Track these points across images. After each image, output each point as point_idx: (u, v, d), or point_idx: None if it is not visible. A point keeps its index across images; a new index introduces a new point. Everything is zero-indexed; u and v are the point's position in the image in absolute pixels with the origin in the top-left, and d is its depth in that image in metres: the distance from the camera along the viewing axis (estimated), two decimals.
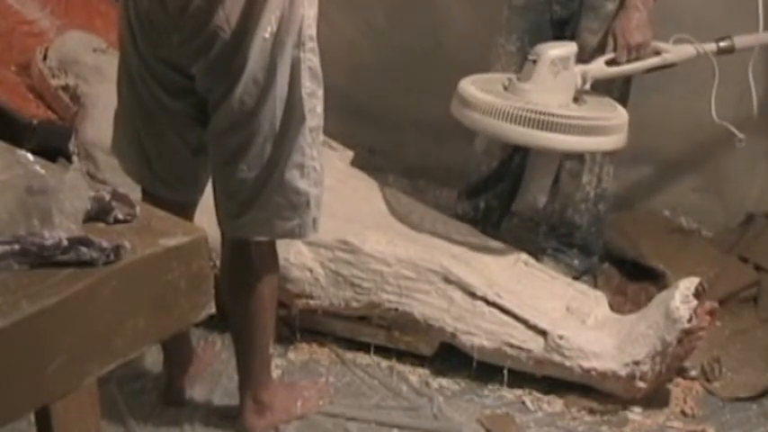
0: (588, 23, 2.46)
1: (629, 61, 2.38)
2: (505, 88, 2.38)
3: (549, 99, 2.30)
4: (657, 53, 2.41)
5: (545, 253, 2.70)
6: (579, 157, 2.59)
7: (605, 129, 2.31)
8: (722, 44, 2.44)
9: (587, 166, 2.59)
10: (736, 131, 2.48)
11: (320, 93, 1.84)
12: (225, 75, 1.76)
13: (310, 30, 1.79)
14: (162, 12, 1.75)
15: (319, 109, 1.85)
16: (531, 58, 2.34)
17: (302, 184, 1.86)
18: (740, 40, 2.44)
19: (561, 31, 2.52)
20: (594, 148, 2.37)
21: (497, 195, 2.77)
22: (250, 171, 1.83)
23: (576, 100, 2.37)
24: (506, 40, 2.57)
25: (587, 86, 2.38)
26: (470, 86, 2.37)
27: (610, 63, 2.39)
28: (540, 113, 2.24)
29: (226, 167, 1.85)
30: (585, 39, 2.46)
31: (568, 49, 2.35)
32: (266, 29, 1.72)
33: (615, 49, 2.39)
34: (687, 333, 2.13)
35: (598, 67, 2.38)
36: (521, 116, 2.25)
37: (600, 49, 2.44)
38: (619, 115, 2.37)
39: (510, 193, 2.82)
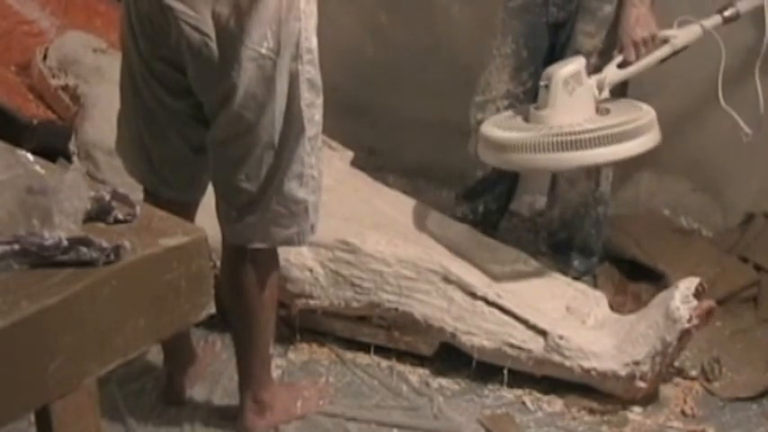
0: (584, 26, 2.44)
1: (638, 58, 2.35)
2: (526, 120, 2.34)
3: (571, 118, 2.26)
4: (665, 41, 2.37)
5: (545, 253, 2.69)
6: None
7: (638, 130, 2.26)
8: (726, 13, 2.40)
9: (585, 171, 2.58)
10: (744, 125, 2.46)
11: (319, 101, 1.84)
12: (216, 85, 1.76)
13: (308, 42, 1.78)
14: (160, 10, 1.75)
15: (318, 117, 1.84)
16: (542, 83, 2.30)
17: (301, 193, 1.86)
18: (743, 5, 2.40)
19: (557, 33, 2.50)
20: (637, 151, 2.29)
21: (495, 198, 2.75)
22: (249, 181, 1.83)
23: (597, 110, 2.33)
24: (502, 42, 2.54)
25: (606, 94, 2.34)
26: (494, 129, 2.33)
27: (622, 65, 2.36)
28: (570, 133, 2.20)
29: (224, 175, 1.86)
30: (581, 42, 2.44)
31: (577, 64, 2.31)
32: (262, 44, 1.72)
33: (622, 51, 2.36)
34: (686, 333, 2.13)
35: (611, 72, 2.35)
36: (554, 142, 2.20)
37: (596, 54, 2.42)
38: (646, 113, 2.32)
39: (508, 195, 2.81)
